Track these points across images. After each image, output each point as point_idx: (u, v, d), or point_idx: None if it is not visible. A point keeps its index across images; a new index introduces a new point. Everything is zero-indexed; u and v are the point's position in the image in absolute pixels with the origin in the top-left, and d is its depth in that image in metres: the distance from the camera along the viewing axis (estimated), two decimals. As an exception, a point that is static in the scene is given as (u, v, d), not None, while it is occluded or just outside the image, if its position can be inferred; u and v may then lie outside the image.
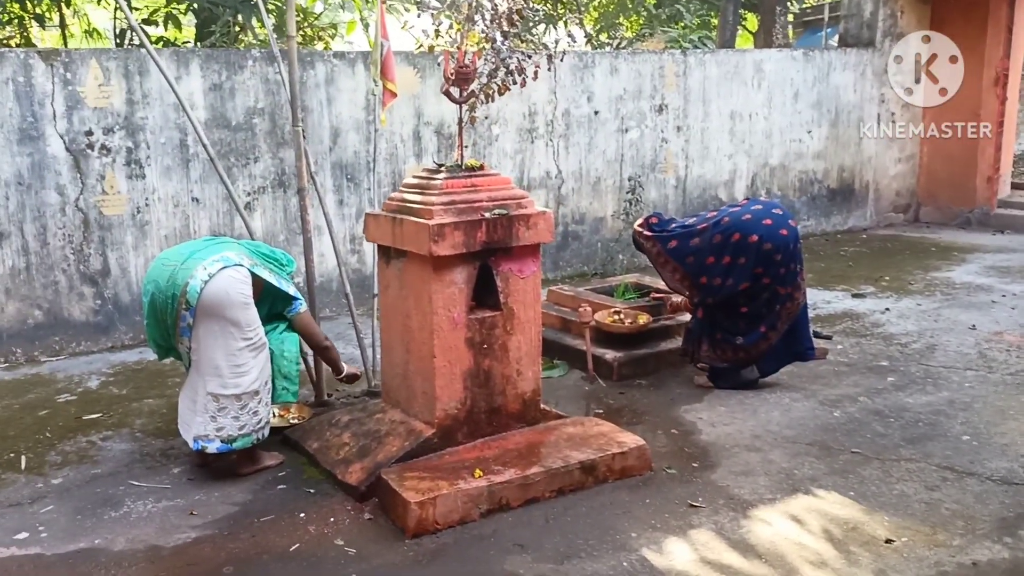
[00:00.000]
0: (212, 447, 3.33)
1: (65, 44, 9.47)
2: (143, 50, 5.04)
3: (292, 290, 3.58)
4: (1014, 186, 9.80)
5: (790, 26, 14.90)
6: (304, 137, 4.00)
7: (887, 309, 5.77)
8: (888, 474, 3.34)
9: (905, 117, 8.91)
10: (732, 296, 4.12)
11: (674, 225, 4.36)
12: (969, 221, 8.88)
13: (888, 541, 2.84)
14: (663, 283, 4.68)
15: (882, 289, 6.34)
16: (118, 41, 9.41)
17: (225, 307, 3.25)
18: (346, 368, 3.90)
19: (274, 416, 3.89)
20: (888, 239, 8.43)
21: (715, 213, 4.29)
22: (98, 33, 10.18)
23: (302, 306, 3.64)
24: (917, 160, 9.14)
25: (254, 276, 3.38)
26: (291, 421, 3.88)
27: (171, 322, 3.31)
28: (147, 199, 5.32)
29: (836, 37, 10.15)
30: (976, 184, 8.80)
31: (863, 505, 3.09)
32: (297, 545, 2.91)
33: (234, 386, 3.30)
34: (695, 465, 3.46)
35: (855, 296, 6.16)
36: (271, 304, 3.59)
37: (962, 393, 4.17)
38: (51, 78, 4.95)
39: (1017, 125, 10.61)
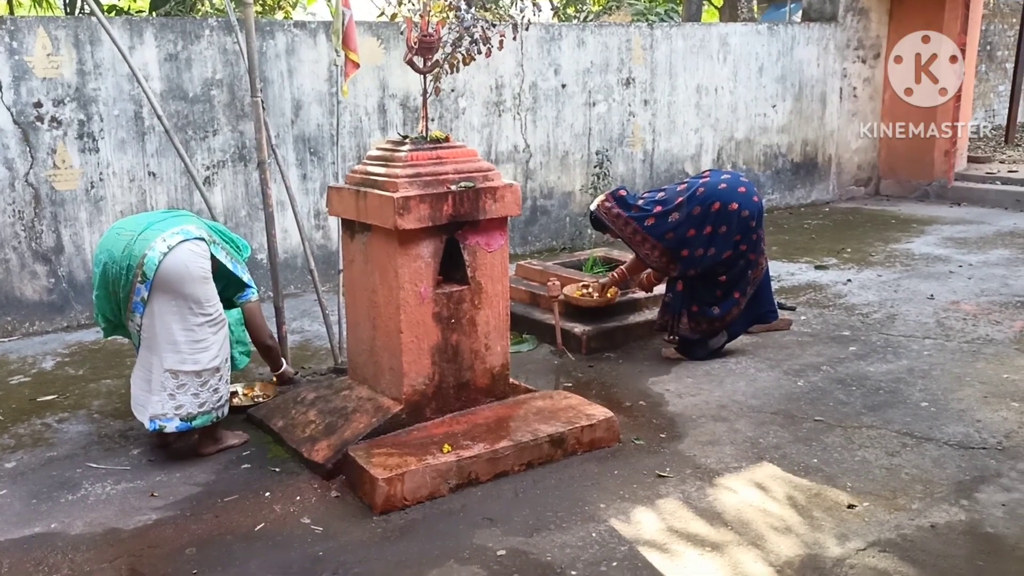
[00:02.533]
0: (171, 426, 3.24)
1: (11, 11, 9.10)
2: (94, 18, 4.85)
3: (246, 276, 3.48)
4: (971, 159, 10.00)
5: (755, 0, 14.93)
6: (264, 109, 3.89)
7: (849, 280, 5.86)
8: (850, 441, 3.40)
9: (867, 91, 9.01)
10: (713, 266, 4.14)
11: (641, 201, 4.34)
12: (928, 194, 9.04)
13: (850, 506, 2.89)
14: (625, 265, 4.65)
15: (844, 261, 6.44)
16: (68, 9, 9.07)
17: (184, 281, 3.14)
18: (284, 367, 3.83)
19: (238, 394, 3.83)
20: (850, 212, 8.55)
21: (685, 185, 4.28)
22: (47, 1, 9.81)
23: (254, 295, 3.52)
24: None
25: (211, 256, 3.28)
26: (256, 399, 3.82)
27: (124, 295, 3.18)
28: (101, 174, 5.15)
29: (800, 12, 10.19)
30: (934, 158, 8.95)
31: (826, 472, 3.15)
32: (262, 525, 2.86)
33: (193, 362, 3.21)
34: (663, 436, 3.49)
35: (818, 268, 6.25)
36: (223, 288, 3.45)
37: (921, 361, 4.26)
38: (-5, 47, 4.74)
39: (973, 100, 10.82)
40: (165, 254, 3.10)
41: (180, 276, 3.13)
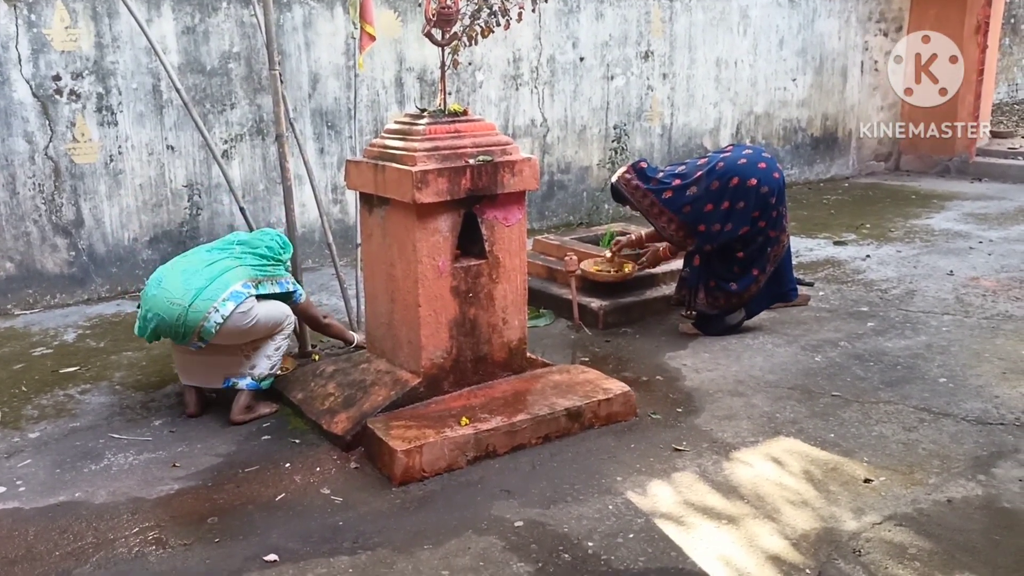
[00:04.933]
0: (242, 383, 3.46)
1: (26, -14, 9.07)
2: (109, -10, 4.84)
3: (292, 285, 3.61)
4: (993, 134, 9.82)
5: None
6: (282, 82, 3.88)
7: (868, 256, 5.81)
8: (867, 416, 3.39)
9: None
10: (730, 241, 4.12)
11: (660, 174, 4.32)
12: (949, 169, 8.91)
13: (867, 480, 2.90)
14: (645, 231, 4.66)
15: (863, 236, 6.38)
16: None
17: (243, 336, 3.38)
18: (356, 337, 3.97)
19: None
20: (870, 187, 8.45)
21: (705, 160, 4.26)
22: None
23: (302, 297, 3.68)
24: (899, 109, 9.11)
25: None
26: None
27: (182, 343, 3.41)
28: (120, 147, 5.17)
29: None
30: (956, 132, 8.80)
31: (843, 446, 3.15)
32: (283, 495, 2.91)
33: (262, 333, 3.48)
34: (679, 410, 3.50)
35: (837, 243, 6.20)
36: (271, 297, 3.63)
37: (939, 337, 4.24)
38: (14, 20, 4.75)
39: (996, 74, 10.60)
40: (220, 324, 3.27)
41: (239, 334, 3.36)
